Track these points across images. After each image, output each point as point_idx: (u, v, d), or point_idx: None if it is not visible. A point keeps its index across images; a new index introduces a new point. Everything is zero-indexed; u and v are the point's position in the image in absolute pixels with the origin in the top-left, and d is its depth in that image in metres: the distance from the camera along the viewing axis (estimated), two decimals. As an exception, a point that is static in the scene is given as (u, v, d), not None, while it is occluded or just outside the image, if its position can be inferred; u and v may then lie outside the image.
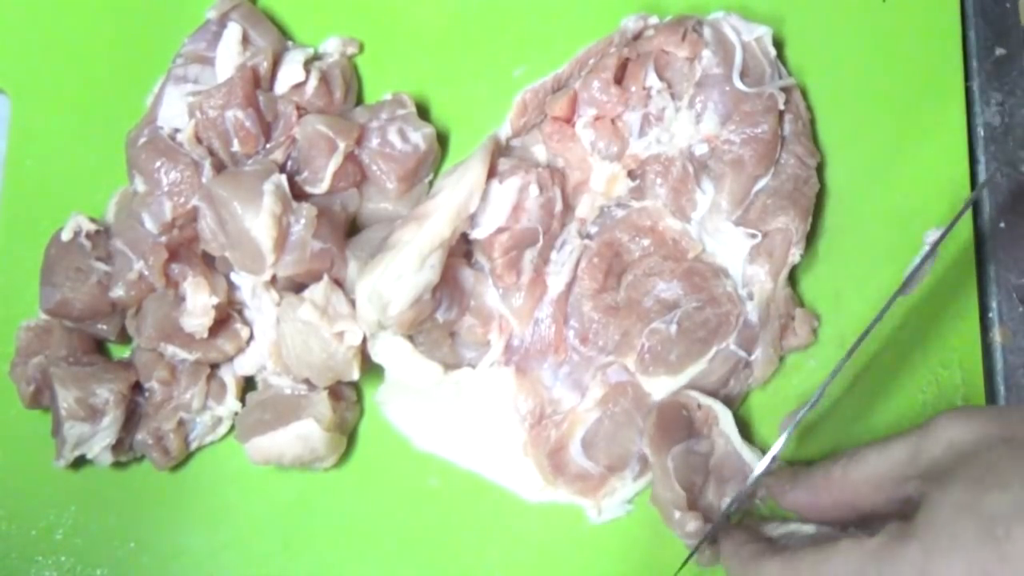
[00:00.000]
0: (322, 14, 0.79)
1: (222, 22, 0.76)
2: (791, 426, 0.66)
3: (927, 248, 0.69)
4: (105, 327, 0.73)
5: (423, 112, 0.77)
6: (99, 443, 0.71)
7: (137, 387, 0.72)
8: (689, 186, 0.71)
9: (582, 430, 0.70)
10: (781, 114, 0.72)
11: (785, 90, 0.72)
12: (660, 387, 0.70)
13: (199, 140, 0.72)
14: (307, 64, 0.75)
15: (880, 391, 0.72)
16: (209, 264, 0.72)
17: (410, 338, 0.69)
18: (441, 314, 0.69)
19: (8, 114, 0.80)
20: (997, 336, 0.74)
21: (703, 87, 0.72)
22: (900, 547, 0.50)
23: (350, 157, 0.73)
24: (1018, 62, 0.77)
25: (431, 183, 0.76)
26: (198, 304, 0.69)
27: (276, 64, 0.75)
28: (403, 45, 0.79)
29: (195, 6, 0.77)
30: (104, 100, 0.79)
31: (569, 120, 0.73)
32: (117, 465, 0.73)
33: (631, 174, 0.72)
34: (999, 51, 0.77)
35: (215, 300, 0.69)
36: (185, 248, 0.71)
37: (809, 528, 0.63)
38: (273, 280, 0.70)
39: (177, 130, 0.73)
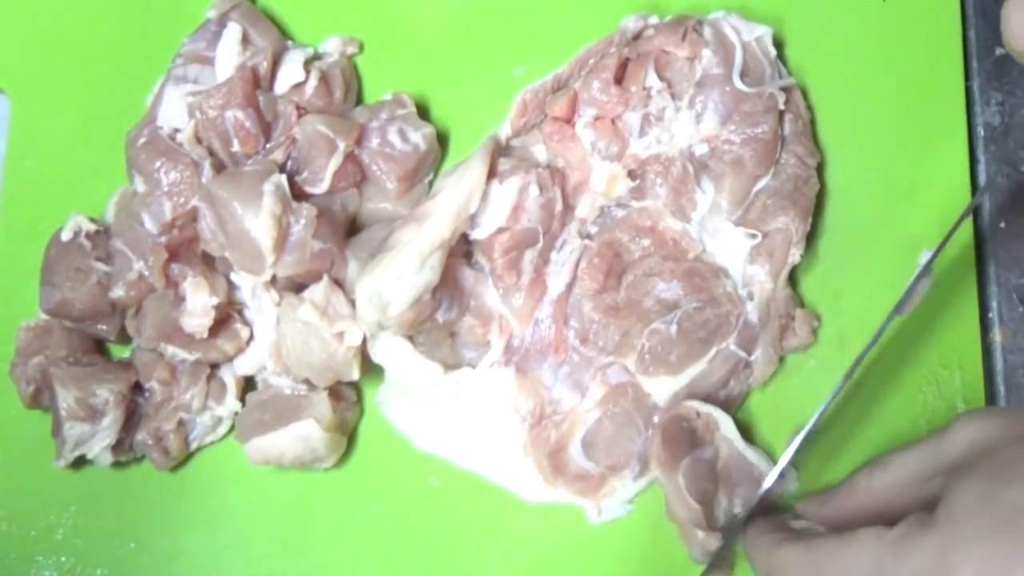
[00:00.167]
0: (322, 14, 0.79)
1: (222, 22, 0.75)
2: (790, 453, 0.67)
3: (920, 269, 0.69)
4: (105, 327, 0.73)
5: (423, 112, 0.77)
6: (99, 443, 0.70)
7: (137, 387, 0.72)
8: (689, 186, 0.71)
9: (582, 430, 0.70)
10: (781, 114, 0.72)
11: (785, 90, 0.72)
12: (660, 388, 0.69)
13: (199, 140, 0.72)
14: (307, 64, 0.75)
15: (880, 391, 0.72)
16: (209, 264, 0.72)
17: (410, 338, 0.69)
18: (441, 314, 0.69)
19: (8, 114, 0.80)
20: (997, 336, 0.74)
21: (703, 87, 0.72)
22: (919, 537, 0.50)
23: (350, 157, 0.73)
24: (1018, 62, 0.77)
25: (431, 183, 0.76)
26: (198, 304, 0.69)
27: (276, 64, 0.75)
28: (403, 45, 0.79)
29: (195, 6, 0.77)
30: (104, 100, 0.79)
31: (569, 120, 0.73)
32: (117, 465, 0.73)
33: (631, 174, 0.72)
34: (999, 51, 0.77)
35: (215, 300, 0.69)
36: (185, 248, 0.71)
37: None
38: (273, 280, 0.70)
39: (177, 130, 0.73)
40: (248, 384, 0.74)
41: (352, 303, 0.68)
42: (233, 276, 0.72)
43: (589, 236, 0.72)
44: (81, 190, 0.77)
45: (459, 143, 0.77)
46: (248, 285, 0.71)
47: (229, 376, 0.73)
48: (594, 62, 0.73)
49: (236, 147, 0.72)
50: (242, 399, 0.73)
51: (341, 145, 0.72)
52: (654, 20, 0.74)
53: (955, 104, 0.76)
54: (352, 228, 0.74)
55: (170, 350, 0.71)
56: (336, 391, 0.72)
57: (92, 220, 0.74)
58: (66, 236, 0.73)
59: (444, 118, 0.78)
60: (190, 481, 0.74)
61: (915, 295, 0.69)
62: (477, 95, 0.77)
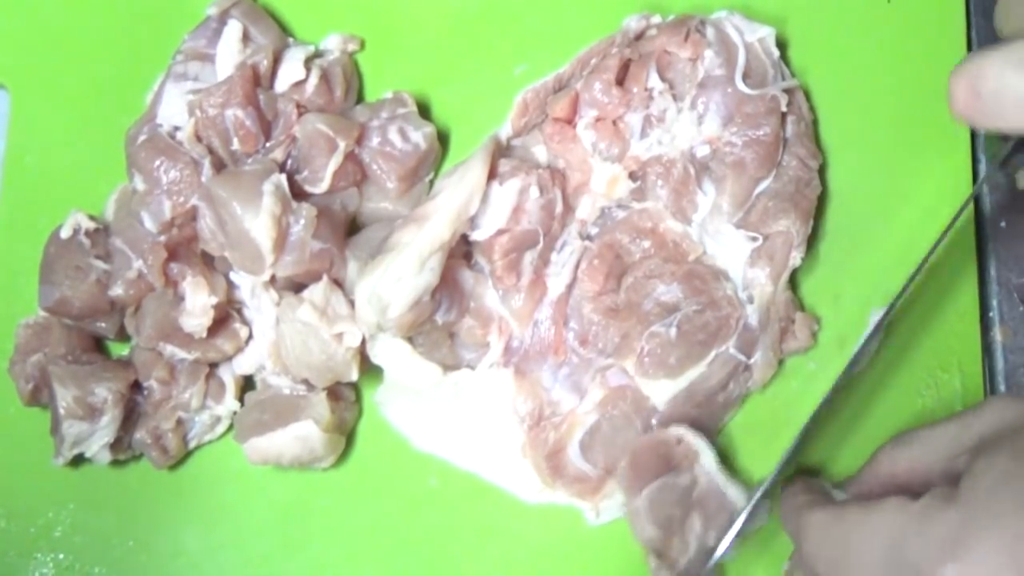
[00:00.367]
0: (323, 11, 0.79)
1: (222, 19, 0.75)
2: (775, 475, 0.67)
3: (871, 328, 0.69)
4: (104, 325, 0.73)
5: (424, 111, 0.76)
6: (98, 441, 0.70)
7: (136, 386, 0.72)
8: (690, 188, 0.71)
9: (581, 432, 0.70)
10: (783, 116, 0.71)
11: (788, 91, 0.72)
12: (659, 390, 0.69)
13: (199, 138, 0.72)
14: (308, 62, 0.74)
15: (879, 391, 0.72)
16: (208, 264, 0.71)
17: (409, 339, 0.69)
18: (441, 315, 0.69)
19: (8, 110, 0.80)
20: (998, 335, 0.74)
21: (705, 88, 0.72)
22: (940, 511, 0.50)
23: (350, 156, 0.73)
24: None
25: (431, 182, 0.76)
26: (197, 304, 0.69)
27: (276, 62, 0.74)
28: (404, 43, 0.79)
29: (195, 3, 0.77)
30: (104, 97, 0.79)
31: (570, 121, 0.72)
32: (116, 463, 0.73)
33: (632, 175, 0.72)
34: (1001, 52, 0.77)
35: (214, 300, 0.69)
36: (184, 247, 0.71)
37: None
38: (272, 280, 0.70)
39: (177, 128, 0.73)
40: (247, 384, 0.74)
41: (351, 303, 0.68)
42: (232, 276, 0.72)
43: (589, 237, 0.72)
44: (81, 187, 0.77)
45: (460, 142, 0.77)
46: (247, 285, 0.71)
47: (228, 375, 0.73)
48: (596, 62, 0.73)
49: (236, 146, 0.72)
50: (241, 399, 0.73)
51: (341, 144, 0.71)
52: (656, 20, 0.74)
53: (958, 106, 0.75)
54: (352, 227, 0.74)
55: (169, 349, 0.71)
56: (335, 391, 0.72)
57: (92, 218, 0.74)
58: (65, 234, 0.73)
59: (445, 117, 0.77)
60: (188, 480, 0.74)
61: (866, 353, 0.70)
62: (478, 94, 0.77)
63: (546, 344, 0.71)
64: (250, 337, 0.72)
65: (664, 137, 0.72)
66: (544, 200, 0.70)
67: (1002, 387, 0.73)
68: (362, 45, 0.79)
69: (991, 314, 0.74)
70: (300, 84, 0.74)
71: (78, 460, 0.72)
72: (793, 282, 0.73)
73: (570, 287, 0.71)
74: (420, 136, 0.74)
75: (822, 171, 0.73)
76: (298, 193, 0.71)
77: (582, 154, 0.72)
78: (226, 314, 0.71)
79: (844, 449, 0.71)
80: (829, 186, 0.74)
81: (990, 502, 0.49)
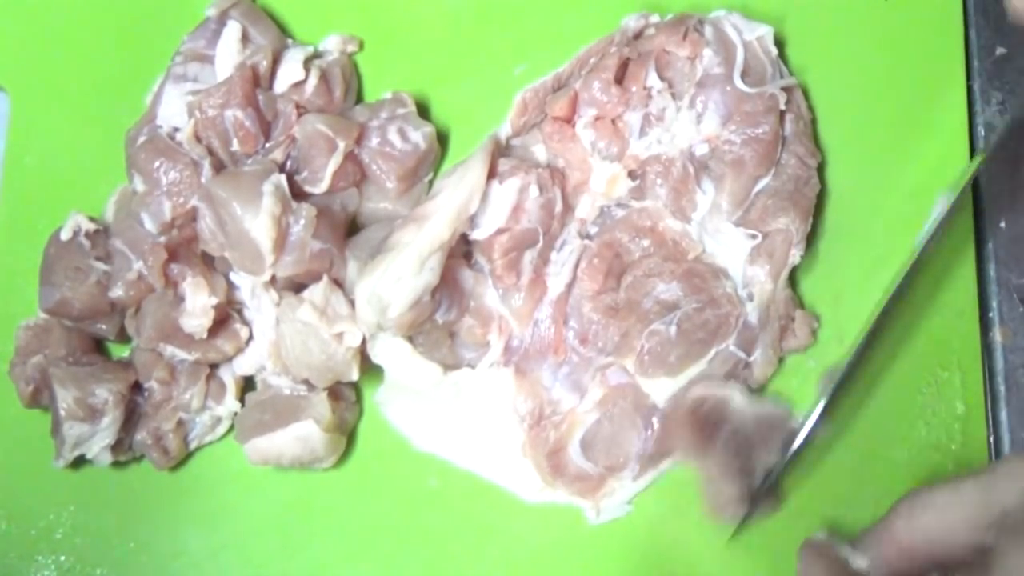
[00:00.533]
0: (322, 12, 0.79)
1: (222, 20, 0.75)
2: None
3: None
4: (104, 327, 0.73)
5: (423, 111, 0.77)
6: (98, 443, 0.70)
7: (136, 387, 0.72)
8: (689, 186, 0.71)
9: (581, 431, 0.70)
10: (782, 114, 0.72)
11: (786, 90, 0.72)
12: (659, 388, 0.69)
13: (198, 139, 0.72)
14: (307, 62, 0.74)
15: (879, 391, 0.72)
16: (208, 264, 0.71)
17: (409, 339, 0.69)
18: (441, 315, 0.69)
19: (8, 112, 0.80)
20: (997, 336, 0.74)
21: (704, 87, 0.72)
22: None
23: (350, 156, 0.73)
24: (1018, 62, 0.77)
25: (431, 182, 0.76)
26: (197, 304, 0.69)
27: (276, 62, 0.75)
28: (403, 43, 0.79)
29: (195, 4, 0.77)
30: (104, 98, 0.79)
31: (569, 120, 0.73)
32: (116, 465, 0.73)
33: (631, 174, 0.72)
34: (999, 51, 0.77)
35: (214, 300, 0.69)
36: (184, 248, 0.71)
37: None
38: (272, 280, 0.70)
39: (176, 129, 0.73)
40: (247, 384, 0.74)
41: (351, 303, 0.68)
42: (232, 276, 0.72)
43: (589, 236, 0.72)
44: (80, 189, 0.77)
45: (459, 142, 0.77)
46: (247, 285, 0.71)
47: (228, 376, 0.73)
48: (595, 61, 0.73)
49: (236, 146, 0.72)
50: (241, 399, 0.73)
51: (341, 144, 0.71)
52: (655, 19, 0.74)
53: (956, 104, 0.76)
54: (352, 227, 0.74)
55: (169, 350, 0.71)
56: (335, 391, 0.72)
57: (91, 219, 0.74)
58: (65, 235, 0.73)
59: (444, 117, 0.77)
60: (189, 481, 0.74)
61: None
62: (477, 94, 0.77)
63: (546, 343, 0.71)
64: (250, 337, 0.72)
65: (663, 136, 0.72)
66: (544, 199, 0.70)
67: (1002, 388, 0.73)
68: (361, 46, 0.79)
69: (991, 314, 0.74)
70: (299, 85, 0.74)
71: (79, 462, 0.72)
72: (793, 280, 0.73)
73: (570, 286, 0.71)
74: (419, 136, 0.74)
75: (821, 169, 0.74)
76: (298, 193, 0.71)
77: (581, 153, 0.72)
78: (226, 315, 0.71)
79: (843, 448, 0.71)
80: (828, 184, 0.74)
81: None
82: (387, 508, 0.72)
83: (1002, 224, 0.75)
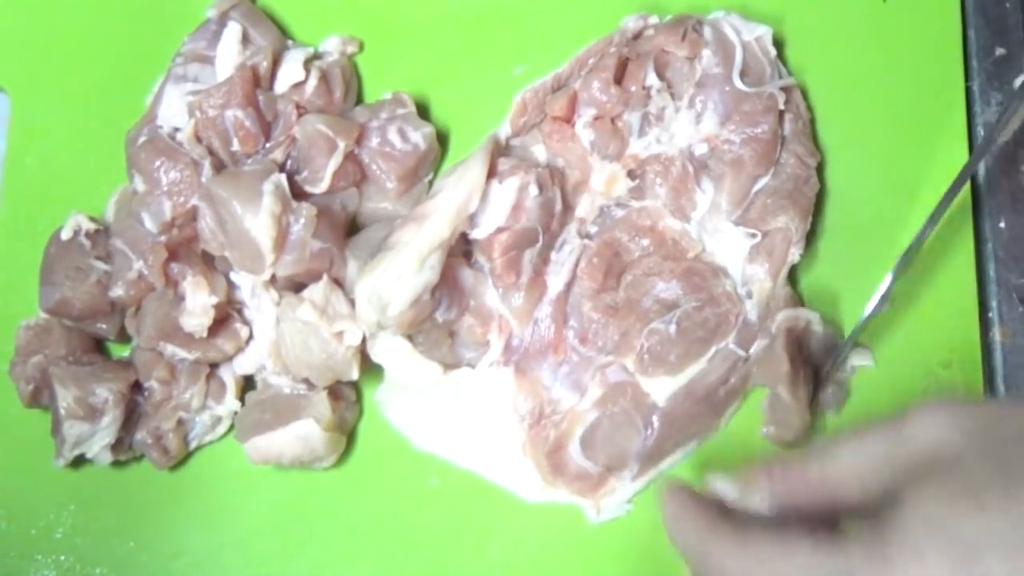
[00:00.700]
0: (322, 13, 0.79)
1: (222, 21, 0.75)
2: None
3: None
4: (105, 326, 0.73)
5: (423, 111, 0.77)
6: (98, 442, 0.70)
7: (136, 386, 0.72)
8: (689, 186, 0.71)
9: (581, 430, 0.70)
10: (781, 114, 0.72)
11: (785, 90, 0.72)
12: (659, 387, 0.69)
13: (199, 139, 0.72)
14: (307, 63, 0.75)
15: (879, 391, 0.72)
16: (209, 263, 0.72)
17: (409, 338, 0.69)
18: (441, 314, 0.69)
19: (8, 112, 0.80)
20: (997, 336, 0.74)
21: (703, 87, 0.72)
22: (859, 558, 0.46)
23: (350, 156, 0.73)
24: (1018, 62, 0.77)
25: (431, 182, 0.76)
26: (197, 304, 0.69)
27: (276, 63, 0.75)
28: (403, 44, 0.79)
29: (195, 5, 0.77)
30: (104, 99, 0.79)
31: (569, 120, 0.73)
32: (116, 464, 0.73)
33: (631, 174, 0.72)
34: (999, 51, 0.77)
35: (214, 300, 0.69)
36: (185, 248, 0.71)
37: None
38: (273, 280, 0.70)
39: (177, 129, 0.73)
40: (247, 383, 0.74)
41: (352, 302, 0.68)
42: (233, 275, 0.72)
43: (588, 236, 0.72)
44: (81, 189, 0.77)
45: (459, 142, 0.77)
46: (248, 284, 0.71)
47: (228, 375, 0.73)
48: (594, 62, 0.73)
49: (236, 146, 0.72)
50: (241, 398, 0.73)
51: (341, 144, 0.72)
52: (654, 20, 0.74)
53: (955, 104, 0.76)
54: (352, 227, 0.74)
55: (169, 349, 0.71)
56: (335, 391, 0.72)
57: (92, 219, 0.74)
58: (66, 235, 0.73)
59: (444, 117, 0.78)
60: (189, 480, 0.74)
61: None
62: (477, 94, 0.77)
63: (546, 342, 0.71)
64: (250, 337, 0.72)
65: (662, 135, 0.72)
66: (543, 198, 0.70)
67: (1001, 388, 0.73)
68: (361, 46, 0.79)
69: (990, 315, 0.74)
70: (299, 85, 0.74)
71: (79, 461, 0.72)
72: (793, 279, 0.73)
73: (569, 285, 0.71)
74: (419, 136, 0.74)
75: (820, 169, 0.74)
76: (298, 193, 0.71)
77: (581, 153, 0.72)
78: (226, 314, 0.71)
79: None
80: (828, 184, 0.74)
81: (919, 557, 0.44)
82: (387, 507, 0.72)
83: (1002, 224, 0.75)
